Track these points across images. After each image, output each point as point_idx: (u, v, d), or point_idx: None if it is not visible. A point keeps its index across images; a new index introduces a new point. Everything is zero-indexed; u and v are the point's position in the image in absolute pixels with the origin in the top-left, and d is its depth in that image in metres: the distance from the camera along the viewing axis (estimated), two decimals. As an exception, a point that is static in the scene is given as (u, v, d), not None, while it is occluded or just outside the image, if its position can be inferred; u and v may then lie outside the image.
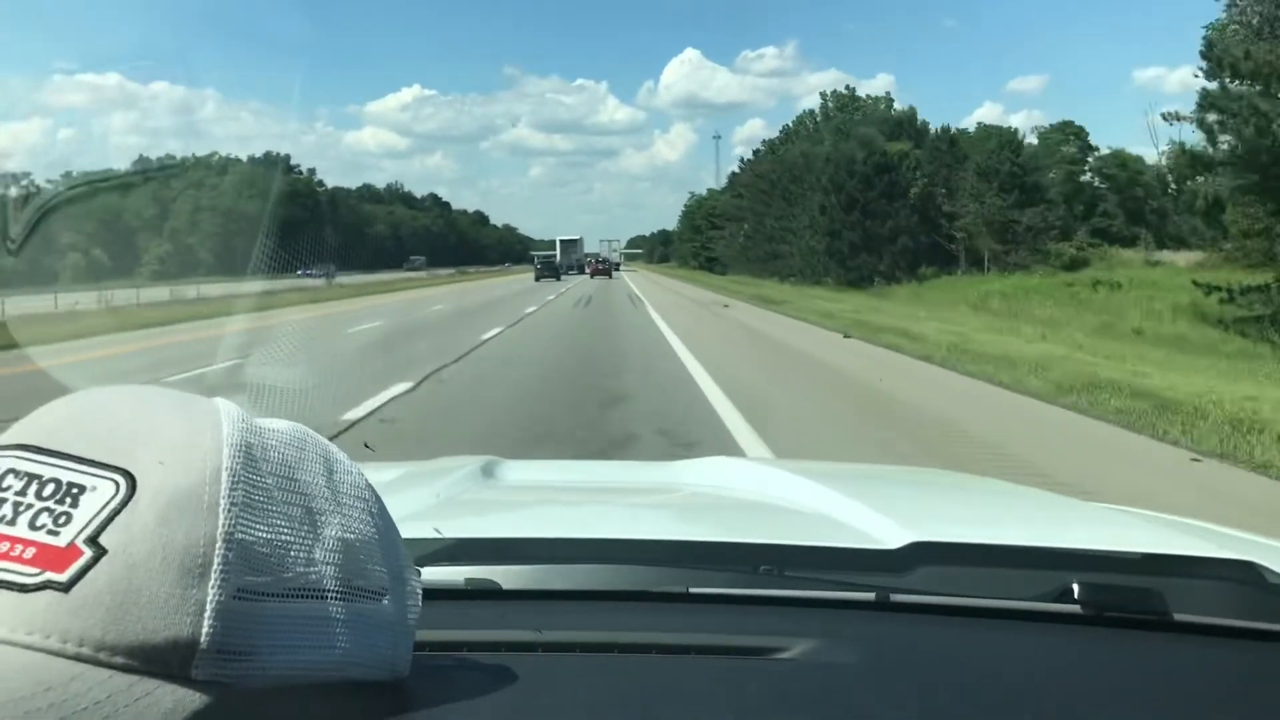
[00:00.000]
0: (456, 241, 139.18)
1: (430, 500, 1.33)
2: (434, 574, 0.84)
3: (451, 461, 1.76)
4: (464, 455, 1.79)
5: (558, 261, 72.93)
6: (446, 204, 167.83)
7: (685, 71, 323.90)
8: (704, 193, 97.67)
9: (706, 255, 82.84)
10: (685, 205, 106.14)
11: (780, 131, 74.79)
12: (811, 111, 73.12)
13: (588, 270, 74.95)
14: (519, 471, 1.77)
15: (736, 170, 78.16)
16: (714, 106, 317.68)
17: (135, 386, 0.61)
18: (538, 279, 58.08)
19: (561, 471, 2.27)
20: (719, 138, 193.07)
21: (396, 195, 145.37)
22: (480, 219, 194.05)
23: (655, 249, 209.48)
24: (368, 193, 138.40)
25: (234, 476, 0.54)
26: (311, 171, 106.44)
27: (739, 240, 65.65)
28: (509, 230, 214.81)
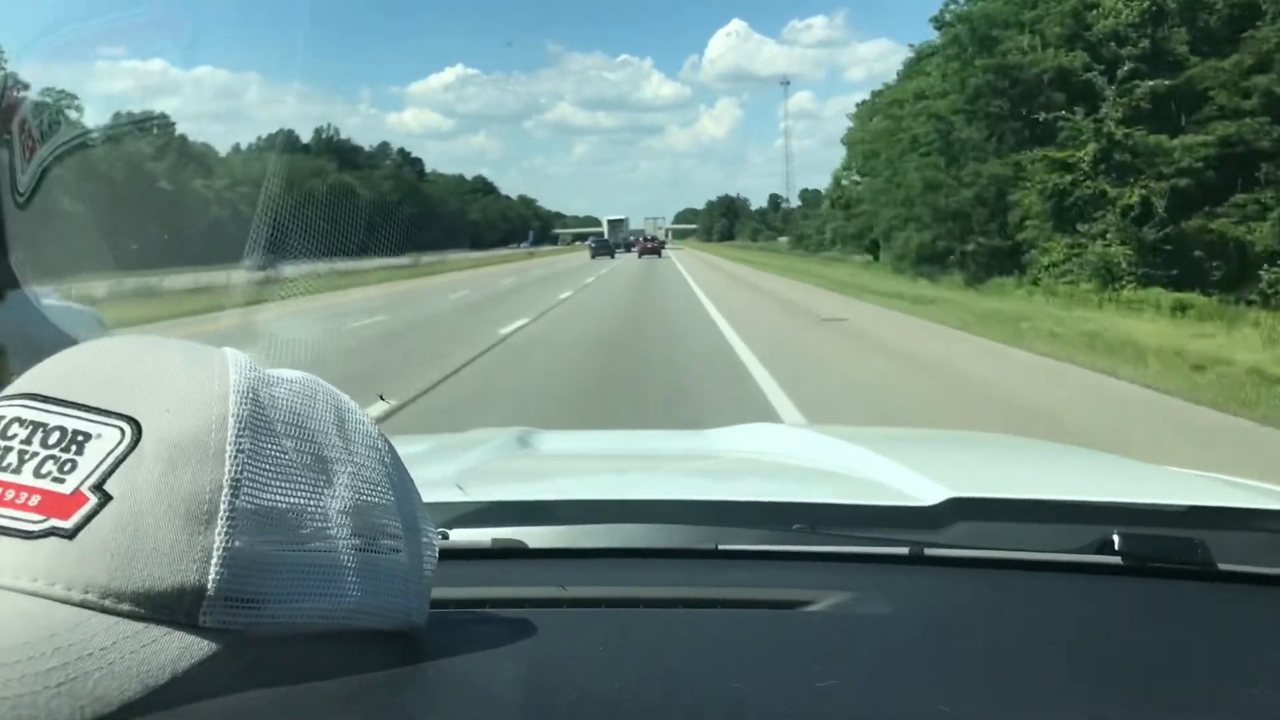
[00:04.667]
0: (415, 215, 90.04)
1: (461, 467, 1.28)
2: (460, 535, 0.86)
3: (485, 433, 1.73)
4: (499, 427, 1.75)
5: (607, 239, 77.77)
6: (416, 160, 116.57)
7: (731, 44, 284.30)
8: (963, 3, 26.00)
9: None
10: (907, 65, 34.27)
11: None
12: None
13: (634, 249, 73.78)
14: (554, 441, 1.73)
15: None
16: (760, 80, 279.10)
17: (144, 336, 0.59)
18: (593, 256, 61.49)
19: (597, 440, 2.13)
20: (787, 83, 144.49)
21: (328, 145, 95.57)
22: (482, 187, 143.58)
23: (714, 222, 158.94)
24: (287, 143, 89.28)
25: (240, 423, 0.53)
26: (62, 96, 55.17)
27: None
28: (525, 202, 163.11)
